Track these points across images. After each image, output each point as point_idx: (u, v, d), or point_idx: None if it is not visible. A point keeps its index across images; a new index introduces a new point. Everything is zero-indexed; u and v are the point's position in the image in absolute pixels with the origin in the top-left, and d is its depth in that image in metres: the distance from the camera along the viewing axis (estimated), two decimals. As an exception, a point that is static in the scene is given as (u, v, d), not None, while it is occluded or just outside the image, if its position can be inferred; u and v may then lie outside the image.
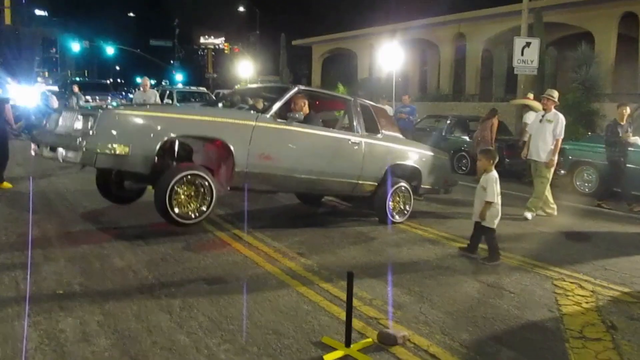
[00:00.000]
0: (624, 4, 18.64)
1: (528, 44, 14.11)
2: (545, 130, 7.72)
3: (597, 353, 3.62)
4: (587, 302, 4.57)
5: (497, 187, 5.57)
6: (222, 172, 5.74)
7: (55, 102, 18.97)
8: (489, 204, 5.51)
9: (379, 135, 7.10)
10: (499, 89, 20.52)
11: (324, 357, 3.33)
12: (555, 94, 7.98)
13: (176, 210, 5.17)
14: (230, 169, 5.67)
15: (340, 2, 48.47)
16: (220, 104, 8.23)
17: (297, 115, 6.18)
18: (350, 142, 6.70)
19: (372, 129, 7.04)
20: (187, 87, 27.00)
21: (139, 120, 5.03)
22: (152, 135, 5.05)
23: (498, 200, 5.58)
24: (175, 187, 5.15)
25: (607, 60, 18.27)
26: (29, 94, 20.09)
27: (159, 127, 5.10)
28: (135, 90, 16.18)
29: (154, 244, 5.62)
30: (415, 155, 7.50)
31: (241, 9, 54.16)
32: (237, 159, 5.60)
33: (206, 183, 5.32)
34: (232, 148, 5.56)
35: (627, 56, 18.94)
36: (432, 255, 5.82)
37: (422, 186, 7.56)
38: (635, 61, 18.36)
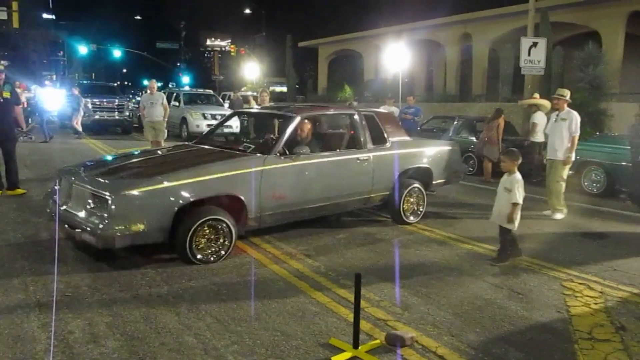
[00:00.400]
0: (631, 3, 18.52)
1: (535, 44, 14.05)
2: (561, 128, 7.72)
3: (606, 354, 3.60)
4: (595, 303, 4.55)
5: (523, 189, 5.49)
6: (235, 216, 5.64)
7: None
8: (516, 205, 5.42)
9: (387, 145, 7.07)
10: (505, 89, 20.44)
11: (332, 358, 3.33)
12: (567, 92, 7.96)
13: (198, 256, 5.11)
14: (243, 215, 5.60)
15: (346, 3, 48.50)
16: (231, 121, 7.90)
17: (303, 149, 6.07)
18: (358, 160, 6.66)
19: (379, 139, 7.01)
20: (194, 90, 27.08)
21: (150, 197, 4.95)
22: (165, 206, 5.00)
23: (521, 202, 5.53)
24: (197, 233, 5.11)
25: (615, 60, 18.16)
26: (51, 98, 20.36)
27: (170, 198, 5.04)
28: (142, 93, 16.28)
29: (162, 247, 5.63)
30: (424, 155, 7.54)
31: (247, 10, 54.24)
32: (249, 207, 5.56)
33: (225, 225, 5.29)
34: (243, 199, 5.51)
35: (635, 55, 18.83)
36: (439, 256, 5.81)
37: (433, 182, 7.63)
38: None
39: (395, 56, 18.63)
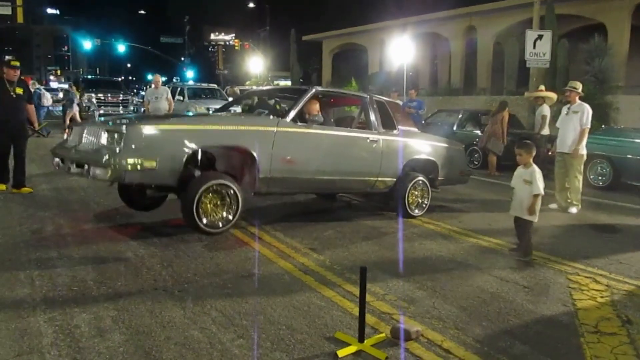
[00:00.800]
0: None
1: (540, 37, 14.00)
2: (573, 121, 7.69)
3: (612, 347, 3.59)
4: (602, 297, 4.53)
5: (542, 179, 5.45)
6: (245, 178, 5.77)
7: (47, 100, 18.99)
8: (537, 197, 5.36)
9: (396, 131, 7.11)
10: (510, 82, 20.37)
11: (337, 352, 3.33)
12: (579, 85, 7.96)
13: (204, 220, 5.21)
14: (253, 175, 5.70)
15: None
16: (236, 107, 8.19)
17: (317, 117, 6.26)
18: (368, 140, 6.74)
19: (388, 125, 7.07)
20: (198, 84, 27.08)
21: (165, 134, 5.07)
22: (178, 148, 5.09)
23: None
24: (202, 198, 5.17)
25: (621, 52, 18.06)
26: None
27: (184, 140, 5.13)
28: (146, 87, 16.29)
29: (167, 241, 5.65)
30: (431, 148, 7.55)
31: (251, 5, 54.17)
32: (261, 165, 5.64)
33: (232, 191, 5.34)
34: (255, 155, 5.59)
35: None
36: (444, 250, 5.80)
37: (439, 178, 7.62)
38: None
39: (400, 50, 18.57)
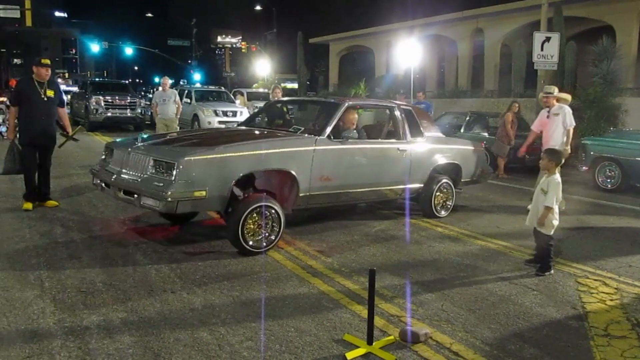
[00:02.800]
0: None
1: (548, 39, 13.92)
2: (557, 123, 7.85)
3: (622, 351, 3.57)
4: (611, 300, 4.51)
5: (560, 192, 5.16)
6: (285, 196, 5.85)
7: None
8: (548, 209, 5.10)
9: (423, 138, 7.26)
10: (518, 84, 20.28)
11: (346, 354, 3.33)
12: (554, 89, 8.16)
13: (250, 242, 5.26)
14: (293, 193, 5.82)
15: (355, 1, 48.35)
16: (262, 118, 8.15)
17: (351, 133, 6.41)
18: (398, 150, 6.89)
19: (416, 132, 7.20)
20: (205, 87, 27.13)
21: (214, 164, 5.16)
22: (226, 176, 5.20)
23: (557, 206, 5.16)
24: (247, 219, 5.23)
25: (629, 54, 17.97)
26: None
27: (232, 168, 5.24)
28: (154, 90, 16.33)
29: (176, 244, 5.66)
30: (455, 152, 7.74)
31: (258, 7, 54.26)
32: (301, 185, 5.76)
33: (274, 211, 5.41)
34: (296, 175, 5.71)
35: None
36: (452, 252, 5.78)
37: (462, 180, 7.82)
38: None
39: (407, 52, 18.54)
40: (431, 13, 26.80)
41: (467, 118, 13.79)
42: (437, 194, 7.32)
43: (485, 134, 12.93)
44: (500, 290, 4.67)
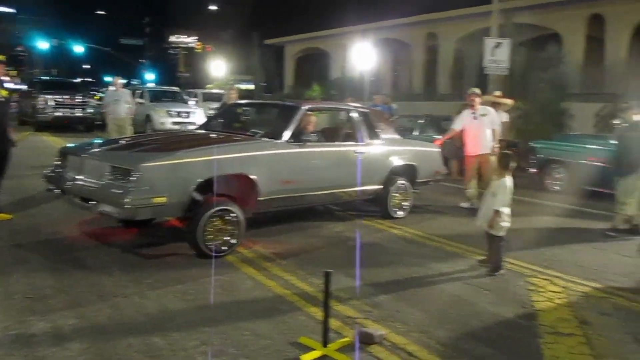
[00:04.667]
0: (591, 6, 19.02)
1: (498, 44, 14.27)
2: (485, 123, 8.26)
3: (569, 348, 3.69)
4: (559, 298, 4.65)
5: (508, 195, 5.21)
6: (245, 200, 5.79)
7: None
8: (496, 212, 5.19)
9: (380, 140, 7.35)
10: (471, 88, 20.75)
11: (301, 357, 3.32)
12: (478, 90, 8.66)
13: (210, 246, 5.17)
14: (253, 197, 5.77)
15: (313, 1, 48.45)
16: (220, 119, 8.05)
17: (310, 136, 6.39)
18: (356, 152, 6.93)
19: (373, 135, 7.29)
20: (159, 87, 26.68)
21: (174, 170, 5.10)
22: (185, 181, 5.13)
23: (508, 208, 5.24)
24: (207, 224, 5.15)
25: (575, 61, 18.61)
26: None
27: (192, 173, 5.18)
28: (105, 89, 15.95)
29: (130, 247, 5.55)
30: (411, 153, 7.87)
31: (213, 7, 53.77)
32: (261, 189, 5.74)
33: (234, 216, 5.35)
34: (256, 179, 5.68)
35: (595, 57, 19.32)
36: (407, 253, 5.85)
37: (418, 180, 7.92)
38: (602, 61, 18.73)
39: (362, 55, 18.71)
40: (386, 17, 27.10)
41: (421, 121, 14.01)
42: (394, 195, 7.43)
43: (439, 137, 13.14)
44: (454, 290, 4.76)
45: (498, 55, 14.28)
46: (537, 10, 20.06)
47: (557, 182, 10.38)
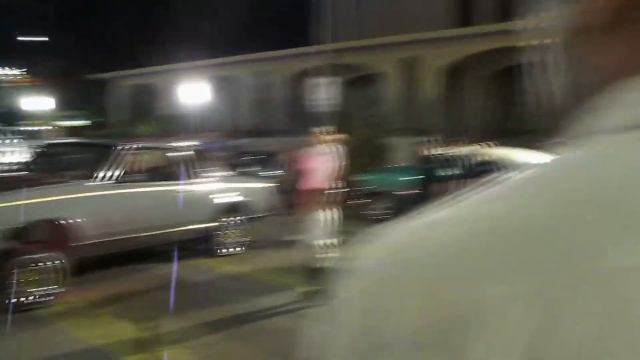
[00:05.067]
0: (407, 49, 21.00)
1: (323, 83, 15.16)
2: (329, 161, 8.63)
3: None
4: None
5: (319, 228, 5.58)
6: (64, 245, 5.38)
7: None
8: (313, 245, 5.51)
9: (206, 178, 7.29)
10: (300, 124, 21.59)
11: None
12: (319, 127, 9.04)
13: (22, 299, 4.72)
14: (71, 242, 5.42)
15: (142, 38, 47.41)
16: (36, 160, 7.46)
17: (125, 177, 6.16)
18: (180, 190, 6.80)
19: (199, 173, 7.22)
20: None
21: None
22: None
23: (321, 241, 5.59)
24: (17, 274, 4.72)
25: (395, 99, 20.30)
26: None
27: None
28: None
29: None
30: (242, 189, 7.85)
31: (39, 38, 50.23)
32: (78, 233, 5.44)
33: (53, 264, 4.99)
34: (70, 224, 5.39)
35: (413, 94, 21.30)
36: (235, 291, 5.92)
37: (252, 215, 7.87)
38: (418, 99, 20.76)
39: (194, 91, 18.69)
40: (218, 54, 27.44)
41: (261, 157, 14.34)
42: (225, 232, 7.40)
43: (279, 172, 13.54)
44: (284, 323, 4.89)
45: (322, 93, 15.15)
46: (360, 52, 21.62)
47: (383, 211, 11.17)
